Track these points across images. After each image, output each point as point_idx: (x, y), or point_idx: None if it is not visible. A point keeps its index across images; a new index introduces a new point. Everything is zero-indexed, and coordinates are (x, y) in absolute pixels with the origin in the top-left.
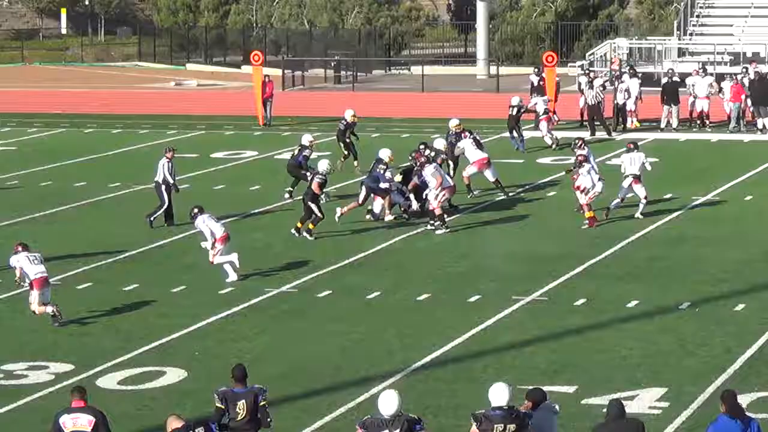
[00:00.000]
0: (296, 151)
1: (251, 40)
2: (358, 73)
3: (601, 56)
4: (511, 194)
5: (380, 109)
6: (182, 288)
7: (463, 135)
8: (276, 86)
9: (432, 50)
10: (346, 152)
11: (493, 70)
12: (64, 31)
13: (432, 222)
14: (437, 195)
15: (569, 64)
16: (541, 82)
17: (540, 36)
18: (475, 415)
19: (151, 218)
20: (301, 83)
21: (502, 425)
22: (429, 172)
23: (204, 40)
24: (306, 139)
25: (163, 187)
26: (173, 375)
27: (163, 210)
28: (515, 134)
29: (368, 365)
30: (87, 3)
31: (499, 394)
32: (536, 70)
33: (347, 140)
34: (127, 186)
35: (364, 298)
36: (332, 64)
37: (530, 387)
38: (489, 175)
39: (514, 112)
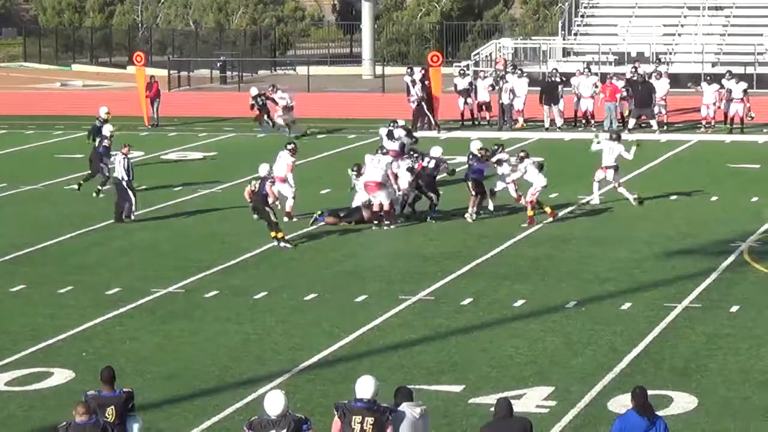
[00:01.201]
0: (97, 141)
1: (137, 40)
2: (244, 74)
3: (486, 56)
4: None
5: None
6: (69, 288)
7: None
8: (162, 86)
9: (317, 50)
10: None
11: (378, 70)
12: None
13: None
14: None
15: (455, 64)
16: (426, 81)
17: (425, 36)
18: (336, 405)
19: (131, 216)
20: (186, 84)
21: (361, 417)
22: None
23: (89, 40)
24: (107, 129)
25: (124, 183)
26: (60, 376)
27: (134, 204)
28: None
29: (256, 365)
30: None
31: (364, 387)
32: (409, 70)
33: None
34: (14, 186)
35: (251, 298)
36: (218, 65)
37: (417, 386)
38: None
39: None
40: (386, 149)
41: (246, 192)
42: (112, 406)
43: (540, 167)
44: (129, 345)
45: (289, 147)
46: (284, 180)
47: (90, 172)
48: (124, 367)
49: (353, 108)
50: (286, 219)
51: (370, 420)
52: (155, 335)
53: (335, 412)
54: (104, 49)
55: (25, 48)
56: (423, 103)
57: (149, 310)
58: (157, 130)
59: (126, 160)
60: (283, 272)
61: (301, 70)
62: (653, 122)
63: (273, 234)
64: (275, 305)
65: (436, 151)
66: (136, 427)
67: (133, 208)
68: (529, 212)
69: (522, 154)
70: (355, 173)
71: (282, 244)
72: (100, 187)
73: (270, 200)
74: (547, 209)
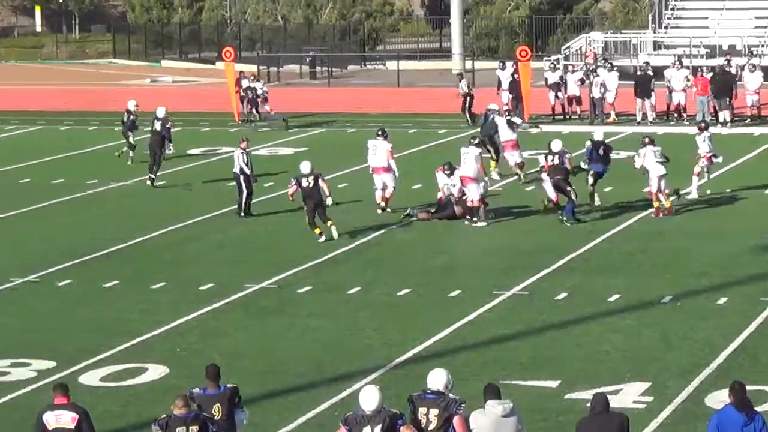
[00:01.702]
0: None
1: (226, 36)
2: (333, 69)
3: (576, 50)
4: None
5: (356, 104)
6: (162, 284)
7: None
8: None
9: (407, 45)
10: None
11: (468, 64)
12: (39, 29)
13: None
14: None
15: (545, 59)
16: (515, 75)
17: (514, 30)
18: (410, 397)
19: (240, 211)
20: (276, 79)
21: (426, 408)
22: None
23: (178, 36)
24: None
25: (241, 177)
26: (155, 371)
27: (244, 199)
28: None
29: (349, 361)
30: (61, 1)
31: (434, 379)
32: (501, 64)
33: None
34: (104, 183)
35: (344, 294)
36: (307, 60)
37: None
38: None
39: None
40: (503, 139)
41: (290, 192)
42: (218, 403)
43: (664, 158)
44: (223, 340)
45: (380, 133)
46: (388, 169)
47: (151, 162)
48: (218, 362)
49: (443, 103)
50: (379, 211)
51: (434, 411)
52: (249, 331)
53: (408, 406)
54: (193, 45)
55: (115, 45)
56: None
57: (243, 306)
58: (248, 126)
59: (245, 154)
60: (376, 268)
61: (391, 65)
62: (725, 114)
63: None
64: (369, 301)
65: (557, 145)
66: (242, 417)
67: (242, 202)
68: (655, 203)
69: (646, 139)
70: (447, 173)
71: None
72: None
73: (327, 193)
74: (666, 203)
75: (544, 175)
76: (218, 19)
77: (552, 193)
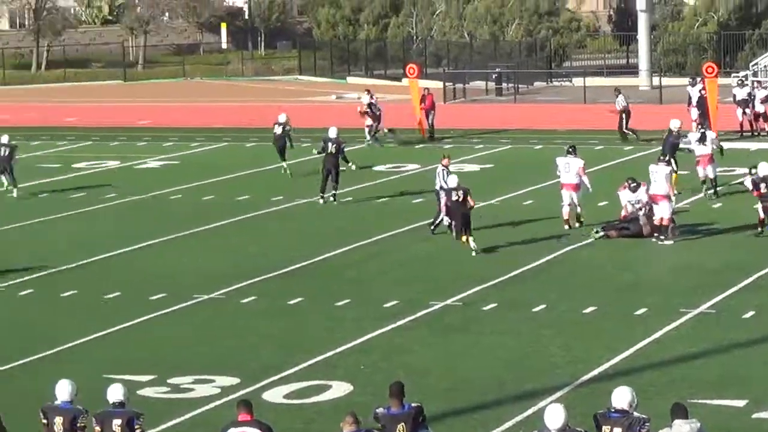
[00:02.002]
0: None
1: (411, 52)
2: (519, 85)
3: (764, 66)
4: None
5: (542, 121)
6: (347, 302)
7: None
8: (437, 98)
9: (593, 61)
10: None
11: (655, 81)
12: (224, 45)
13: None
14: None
15: (732, 75)
16: (702, 92)
17: (702, 46)
18: (594, 415)
19: (432, 227)
20: (462, 95)
21: (610, 427)
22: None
23: (364, 53)
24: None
25: (442, 194)
26: (339, 389)
27: (440, 218)
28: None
29: (534, 379)
30: (247, 17)
31: (619, 396)
32: (691, 80)
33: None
34: (289, 200)
35: (529, 311)
36: (493, 77)
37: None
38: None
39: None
40: (698, 154)
41: (442, 204)
42: (403, 423)
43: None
44: (407, 358)
45: (571, 150)
46: (577, 186)
47: (323, 181)
48: (402, 380)
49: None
50: (566, 227)
51: (618, 430)
52: (433, 348)
53: (594, 424)
54: (379, 61)
55: (300, 61)
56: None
57: (427, 323)
58: (433, 142)
59: (445, 171)
60: (561, 285)
61: (577, 81)
62: None
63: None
64: (553, 318)
65: (764, 168)
66: None
67: (438, 221)
68: None
69: None
70: (633, 185)
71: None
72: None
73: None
74: None
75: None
76: (404, 36)
77: (762, 214)
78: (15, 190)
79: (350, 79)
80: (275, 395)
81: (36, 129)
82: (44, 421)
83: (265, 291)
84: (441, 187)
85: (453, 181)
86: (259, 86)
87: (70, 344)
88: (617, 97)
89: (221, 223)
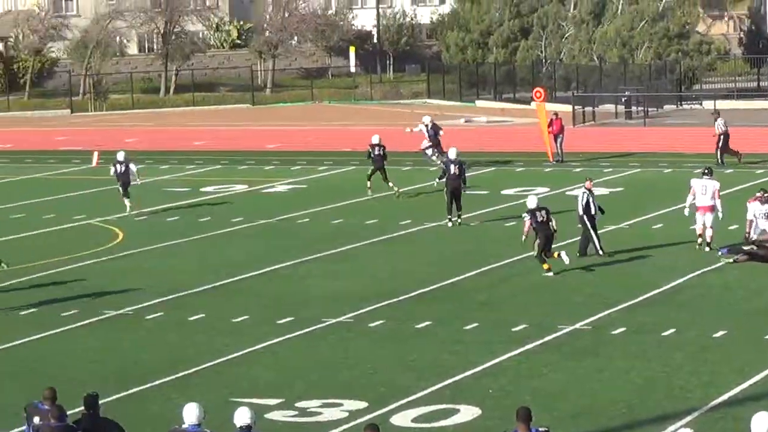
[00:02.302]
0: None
1: (540, 76)
2: (649, 108)
3: None
4: None
5: (671, 144)
6: (475, 325)
7: None
8: (566, 122)
9: (724, 84)
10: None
11: None
12: (353, 69)
13: None
14: None
15: None
16: None
17: None
18: None
19: (599, 251)
20: (591, 119)
21: None
22: None
23: (493, 76)
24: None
25: (585, 217)
26: (467, 413)
27: (595, 238)
28: None
29: (664, 403)
30: (376, 41)
31: (758, 423)
32: None
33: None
34: (418, 223)
35: (658, 335)
36: (622, 100)
37: None
38: None
39: None
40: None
41: (525, 230)
42: None
43: None
44: (536, 382)
45: (707, 172)
46: (713, 208)
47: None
48: (531, 404)
49: (761, 142)
50: (697, 247)
51: None
52: (562, 372)
53: None
54: (508, 84)
55: (429, 84)
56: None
57: (556, 347)
58: (561, 166)
59: (586, 195)
60: (690, 309)
61: (708, 104)
62: None
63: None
64: (683, 342)
65: None
66: None
67: (597, 244)
68: None
69: None
70: (766, 196)
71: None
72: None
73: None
74: None
75: None
76: (533, 59)
77: None
78: (128, 206)
79: (479, 103)
80: (403, 419)
81: (164, 153)
82: None
83: (394, 314)
84: (583, 210)
85: (532, 202)
86: (388, 110)
87: (198, 368)
88: (716, 120)
89: (349, 246)
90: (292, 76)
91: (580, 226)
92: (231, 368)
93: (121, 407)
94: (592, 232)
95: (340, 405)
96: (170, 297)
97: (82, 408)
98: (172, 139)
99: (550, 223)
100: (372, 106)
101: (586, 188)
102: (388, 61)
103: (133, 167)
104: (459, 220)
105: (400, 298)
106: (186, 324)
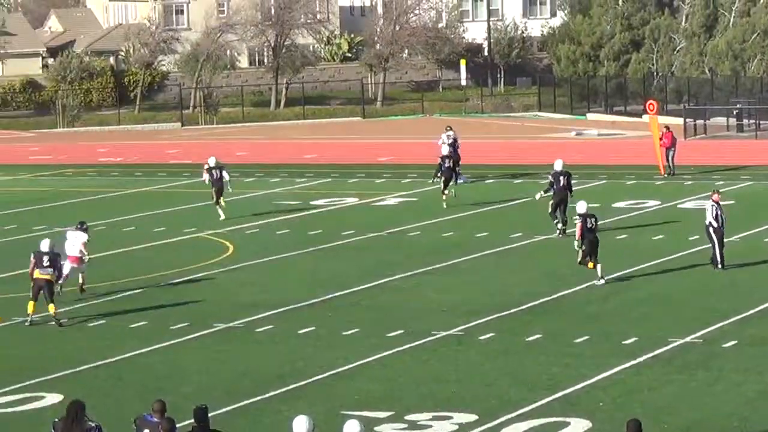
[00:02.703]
0: None
1: (652, 89)
2: (761, 122)
3: None
4: None
5: None
6: (585, 338)
7: None
8: (678, 135)
9: None
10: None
11: None
12: (464, 82)
13: None
14: None
15: None
16: None
17: None
18: None
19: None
20: (702, 132)
21: None
22: None
23: (604, 89)
24: None
25: (711, 229)
26: (577, 426)
27: (718, 252)
28: None
29: None
30: (487, 54)
31: None
32: None
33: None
34: (528, 236)
35: None
36: (734, 113)
37: None
38: None
39: None
40: None
41: (578, 235)
42: None
43: None
44: (646, 395)
45: None
46: None
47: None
48: (641, 417)
49: None
50: None
51: None
52: (673, 385)
53: None
54: (619, 97)
55: (540, 97)
56: None
57: (666, 360)
58: (673, 179)
59: (715, 207)
60: None
61: None
62: None
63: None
64: None
65: None
66: None
67: (719, 258)
68: None
69: None
70: None
71: None
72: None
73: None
74: None
75: None
76: (644, 72)
77: None
78: (222, 214)
79: (590, 116)
80: None
81: (275, 166)
82: None
83: (504, 327)
84: (710, 223)
85: (582, 207)
86: (499, 123)
87: (308, 380)
88: None
89: (459, 259)
90: (403, 89)
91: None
92: (341, 381)
93: (231, 420)
94: (717, 245)
95: (450, 418)
96: (280, 310)
97: (192, 421)
98: (282, 152)
99: (596, 232)
100: (483, 119)
101: (713, 201)
102: (498, 74)
103: (226, 175)
104: (561, 233)
105: (511, 311)
106: (296, 337)
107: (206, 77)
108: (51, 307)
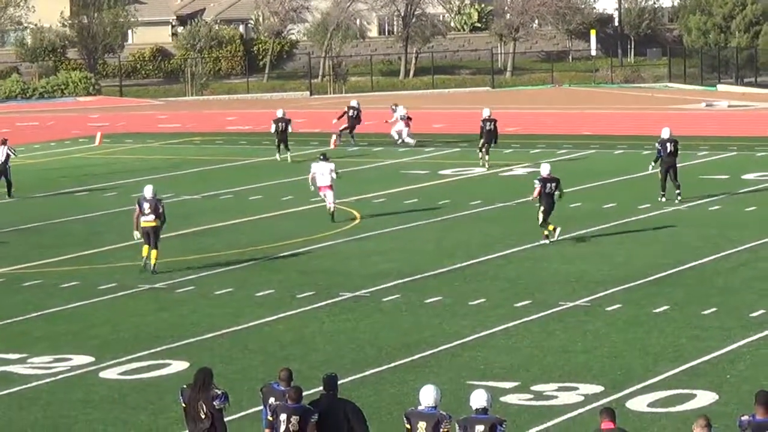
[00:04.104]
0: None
1: None
2: None
3: None
4: None
5: None
6: (713, 310)
7: None
8: None
9: None
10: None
11: None
12: (593, 52)
13: None
14: None
15: None
16: None
17: None
18: None
19: None
20: None
21: None
22: None
23: (735, 60)
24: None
25: None
26: (704, 398)
27: None
28: None
29: None
30: (617, 24)
31: None
32: None
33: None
34: (656, 207)
35: None
36: None
37: None
38: None
39: None
40: None
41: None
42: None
43: None
44: None
45: None
46: None
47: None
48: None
49: None
50: None
51: None
52: None
53: None
54: (749, 69)
55: (670, 68)
56: None
57: None
58: None
59: None
60: None
61: None
62: None
63: None
64: None
65: None
66: None
67: None
68: None
69: None
70: None
71: None
72: None
73: None
74: None
75: None
76: None
77: None
78: (288, 155)
79: (720, 87)
80: (639, 404)
81: None
82: (407, 426)
83: (631, 298)
84: None
85: (545, 170)
86: (628, 93)
87: (434, 350)
88: None
89: (588, 230)
90: (533, 59)
91: None
92: (467, 351)
93: (357, 390)
94: None
95: (576, 389)
96: (407, 279)
97: (319, 389)
98: (411, 121)
99: (555, 194)
100: (613, 90)
101: None
102: (629, 45)
103: (289, 127)
104: (679, 197)
105: (638, 282)
106: (423, 306)
107: (335, 46)
108: (153, 253)
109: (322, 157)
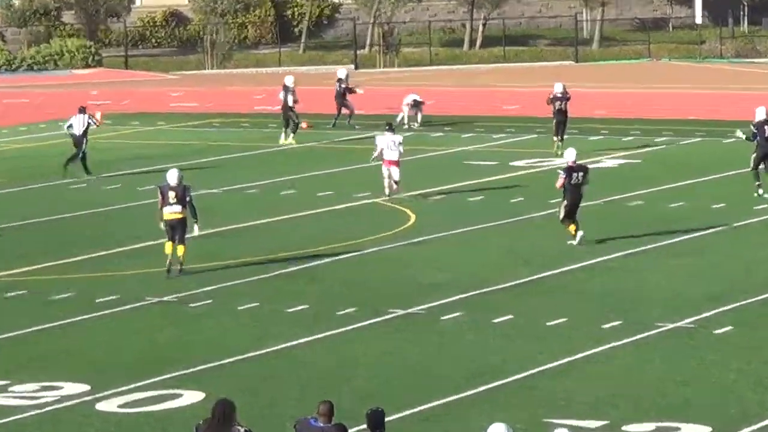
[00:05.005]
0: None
1: None
2: None
3: None
4: None
5: None
6: None
7: None
8: None
9: None
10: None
11: None
12: (698, 20)
13: None
14: None
15: None
16: None
17: None
18: None
19: None
20: None
21: None
22: None
23: None
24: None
25: None
26: None
27: None
28: None
29: None
30: None
31: None
32: None
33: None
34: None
35: None
36: None
37: None
38: None
39: None
40: None
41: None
42: None
43: None
44: None
45: None
46: None
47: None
48: None
49: None
50: None
51: None
52: None
53: None
54: None
55: None
56: None
57: None
58: None
59: None
60: None
61: None
62: None
63: None
64: None
65: None
66: None
67: None
68: None
69: None
70: None
71: None
72: None
73: None
74: None
75: None
76: None
77: None
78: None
79: None
80: None
81: (468, 118)
82: None
83: (745, 320)
84: None
85: (571, 155)
86: (741, 70)
87: (504, 380)
88: None
89: (692, 235)
90: (625, 28)
91: None
92: (544, 381)
93: (408, 428)
94: None
95: (677, 429)
96: (471, 294)
97: (364, 427)
98: (477, 102)
99: (583, 187)
100: (722, 65)
101: None
102: (741, 12)
103: (290, 98)
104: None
105: (754, 299)
106: (489, 327)
107: (386, 11)
108: (180, 249)
109: (387, 128)
